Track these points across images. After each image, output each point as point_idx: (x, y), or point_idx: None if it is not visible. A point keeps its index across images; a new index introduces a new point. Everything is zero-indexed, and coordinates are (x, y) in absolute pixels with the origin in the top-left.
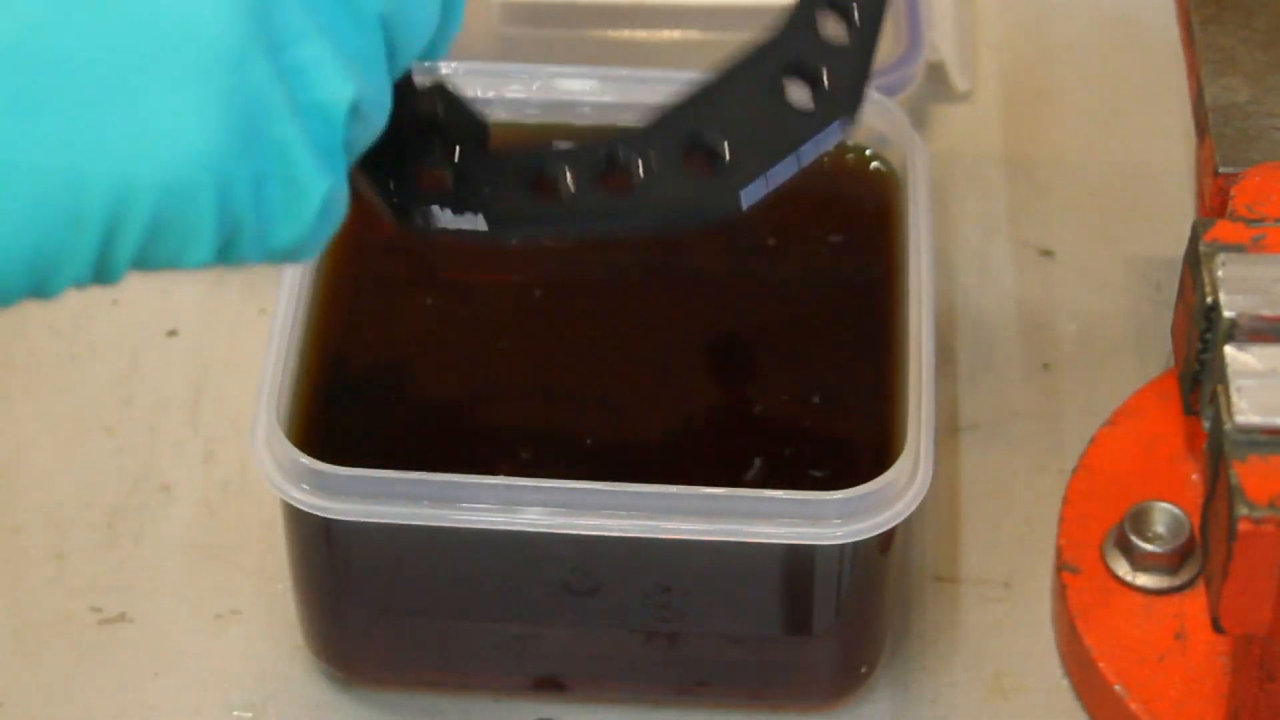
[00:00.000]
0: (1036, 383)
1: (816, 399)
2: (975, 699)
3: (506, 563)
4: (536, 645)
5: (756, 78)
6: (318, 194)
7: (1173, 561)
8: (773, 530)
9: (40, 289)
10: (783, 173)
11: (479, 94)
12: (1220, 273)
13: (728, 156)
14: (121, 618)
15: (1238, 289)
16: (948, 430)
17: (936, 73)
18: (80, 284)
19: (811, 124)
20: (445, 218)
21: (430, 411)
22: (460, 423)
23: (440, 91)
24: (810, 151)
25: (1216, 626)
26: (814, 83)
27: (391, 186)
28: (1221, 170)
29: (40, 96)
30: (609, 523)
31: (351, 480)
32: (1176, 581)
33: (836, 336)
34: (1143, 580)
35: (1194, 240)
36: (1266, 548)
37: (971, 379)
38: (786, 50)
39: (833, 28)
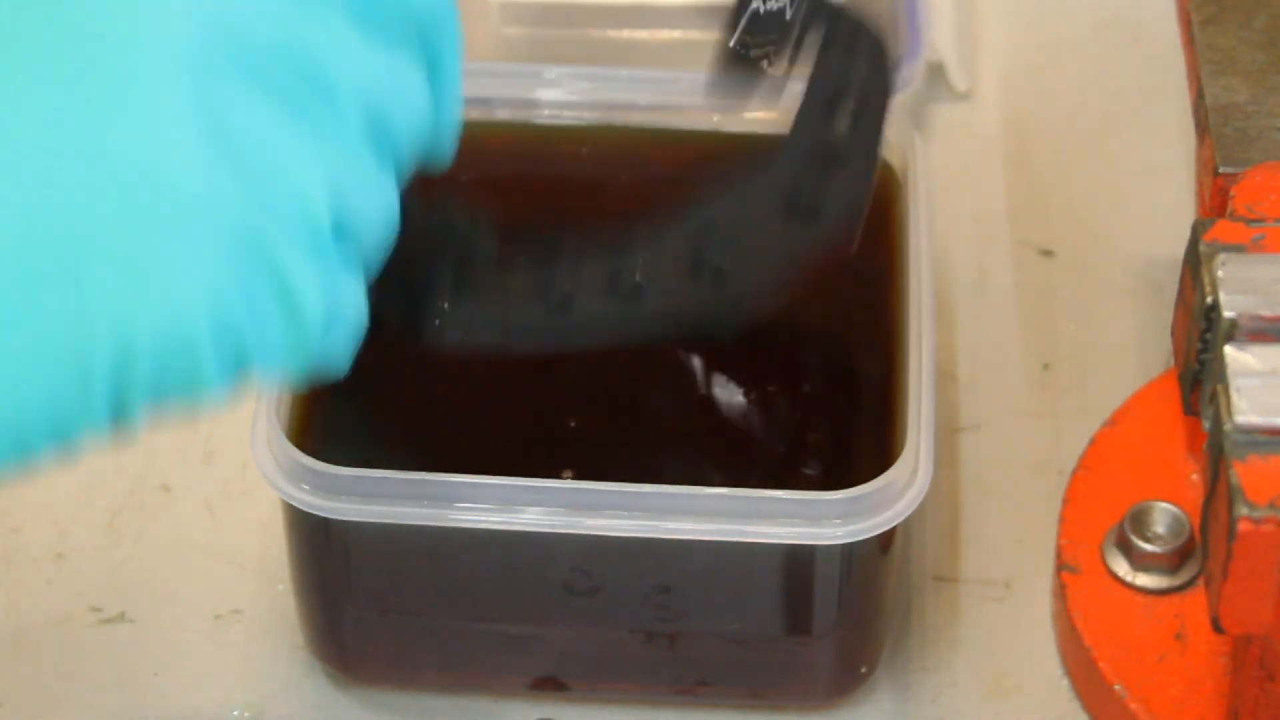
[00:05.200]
0: (1036, 383)
1: (817, 399)
2: (975, 699)
3: (506, 563)
4: (536, 645)
5: (759, 191)
6: (316, 302)
7: (1173, 561)
8: (773, 530)
9: (61, 440)
10: (783, 286)
11: (479, 94)
12: (1220, 273)
13: (732, 275)
14: (121, 618)
15: (1238, 289)
16: (948, 430)
17: (936, 73)
18: (99, 431)
19: (810, 241)
20: (458, 332)
21: (430, 412)
22: (460, 423)
23: (447, 208)
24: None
25: (1216, 626)
26: (811, 209)
27: (403, 302)
28: (1221, 170)
29: (35, 273)
30: (609, 523)
31: (351, 480)
32: (1176, 581)
33: (837, 336)
34: (1143, 580)
35: (1194, 240)
36: (1266, 548)
37: (971, 379)
38: (787, 167)
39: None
